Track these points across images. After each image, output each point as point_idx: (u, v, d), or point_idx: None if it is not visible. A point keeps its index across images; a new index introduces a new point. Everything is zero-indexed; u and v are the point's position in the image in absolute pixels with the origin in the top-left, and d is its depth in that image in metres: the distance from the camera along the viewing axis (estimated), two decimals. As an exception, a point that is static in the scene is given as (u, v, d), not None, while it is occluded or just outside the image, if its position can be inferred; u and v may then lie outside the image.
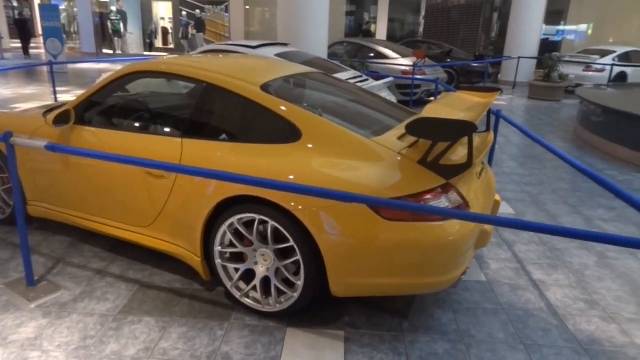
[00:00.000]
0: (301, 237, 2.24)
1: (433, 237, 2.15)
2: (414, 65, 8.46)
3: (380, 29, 20.86)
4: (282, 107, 2.43)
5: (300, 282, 2.31)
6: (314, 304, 2.58)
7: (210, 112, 2.61)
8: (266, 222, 2.33)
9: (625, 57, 11.76)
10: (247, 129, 2.49)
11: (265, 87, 2.54)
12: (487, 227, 2.48)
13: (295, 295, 2.35)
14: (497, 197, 2.93)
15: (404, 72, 8.68)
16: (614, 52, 11.80)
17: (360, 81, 5.36)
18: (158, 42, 21.71)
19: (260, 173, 2.29)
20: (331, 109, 2.68)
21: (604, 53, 11.90)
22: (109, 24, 19.06)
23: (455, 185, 2.30)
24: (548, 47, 15.07)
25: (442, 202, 2.20)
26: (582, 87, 8.27)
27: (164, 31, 21.91)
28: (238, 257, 2.56)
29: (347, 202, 2.12)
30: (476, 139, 2.69)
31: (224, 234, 2.46)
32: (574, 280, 2.98)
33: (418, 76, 8.36)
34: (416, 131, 2.06)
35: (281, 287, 2.40)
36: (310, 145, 2.33)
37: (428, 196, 2.18)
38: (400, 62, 9.09)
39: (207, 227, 2.52)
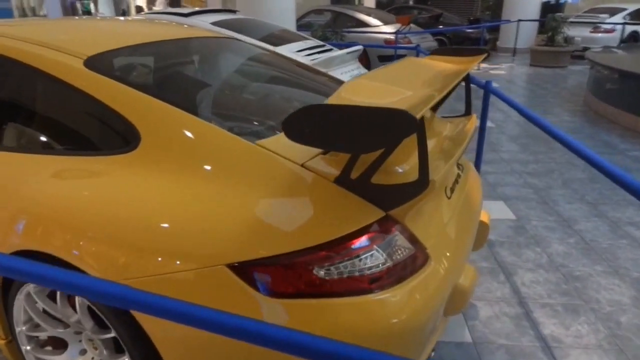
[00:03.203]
0: (127, 325, 1.25)
1: (362, 322, 1.15)
2: (397, 32, 7.32)
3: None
4: (110, 93, 1.40)
5: None
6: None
7: (9, 105, 1.58)
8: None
9: (637, 15, 10.51)
10: (58, 132, 1.47)
11: (93, 62, 1.49)
12: (465, 282, 1.47)
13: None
14: (484, 216, 1.90)
15: (386, 41, 7.54)
16: (625, 9, 10.56)
17: (320, 52, 4.29)
18: (133, 22, 20.47)
19: (57, 211, 1.28)
20: (213, 96, 1.65)
21: (613, 11, 10.66)
22: (78, 5, 17.83)
23: (403, 219, 1.29)
24: (550, 10, 13.76)
25: (376, 255, 1.20)
26: (592, 51, 7.12)
27: (138, 9, 20.61)
28: (61, 343, 1.57)
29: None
30: (441, 134, 1.66)
31: (22, 308, 1.47)
32: (606, 334, 1.98)
33: (402, 45, 7.24)
34: (298, 133, 1.02)
35: None
36: (150, 157, 1.31)
37: (353, 245, 1.18)
38: (383, 30, 7.94)
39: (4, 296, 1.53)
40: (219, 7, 19.28)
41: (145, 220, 1.20)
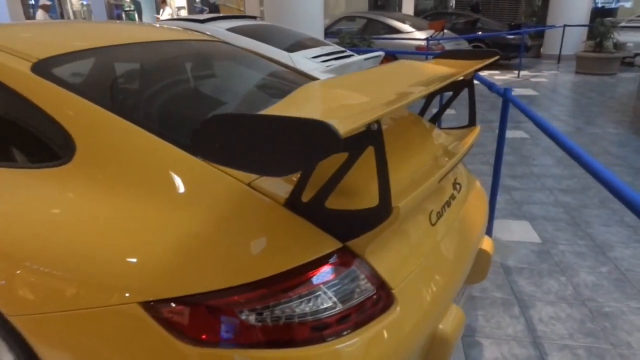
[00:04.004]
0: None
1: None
2: (429, 38, 7.03)
3: (408, 2, 19.09)
4: (51, 99, 1.27)
5: None
6: None
7: None
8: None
9: (699, 19, 9.70)
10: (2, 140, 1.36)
11: (42, 67, 1.37)
12: (447, 327, 1.23)
13: None
14: (486, 244, 1.64)
15: (418, 47, 7.26)
16: (685, 13, 9.75)
17: (337, 58, 4.11)
18: (176, 32, 21.08)
19: None
20: (166, 105, 1.49)
21: (671, 15, 9.88)
22: (123, 15, 18.57)
23: (364, 253, 1.07)
24: (601, 15, 12.98)
25: (323, 297, 0.99)
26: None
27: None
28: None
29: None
30: (432, 147, 1.43)
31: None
32: (635, 389, 1.66)
33: (434, 52, 6.93)
34: (207, 148, 0.82)
35: None
36: (81, 171, 1.17)
37: (293, 285, 0.99)
38: (416, 36, 7.66)
39: None
40: (257, 14, 19.57)
41: (57, 247, 1.05)
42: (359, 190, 1.12)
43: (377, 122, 0.95)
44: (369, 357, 0.98)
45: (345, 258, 1.05)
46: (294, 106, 0.92)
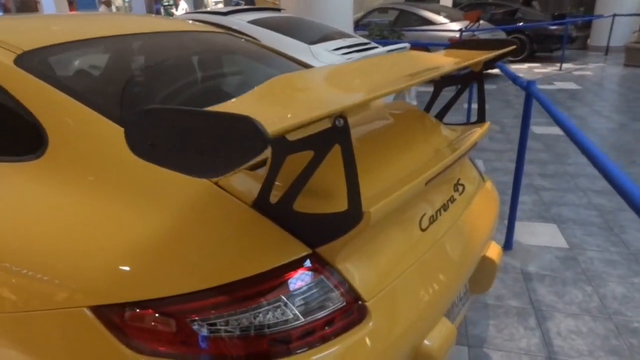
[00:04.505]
0: None
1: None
2: (463, 30, 6.75)
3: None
4: (29, 92, 1.24)
5: None
6: None
7: None
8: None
9: None
10: None
11: (26, 59, 1.34)
12: (434, 342, 1.12)
13: None
14: (492, 251, 1.50)
15: (450, 39, 6.99)
16: None
17: (359, 51, 3.98)
18: (213, 26, 21.40)
19: None
20: (148, 99, 1.44)
21: None
22: (162, 10, 18.98)
23: (334, 261, 0.98)
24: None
25: (283, 309, 0.91)
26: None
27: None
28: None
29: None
30: (429, 145, 1.31)
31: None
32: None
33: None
34: (140, 146, 0.73)
35: None
36: (51, 166, 1.13)
37: (250, 294, 0.92)
38: (450, 27, 7.39)
39: None
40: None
41: (12, 242, 1.01)
42: (334, 193, 1.03)
43: (344, 118, 0.85)
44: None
45: (313, 266, 0.96)
46: (248, 100, 0.84)
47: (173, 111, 0.67)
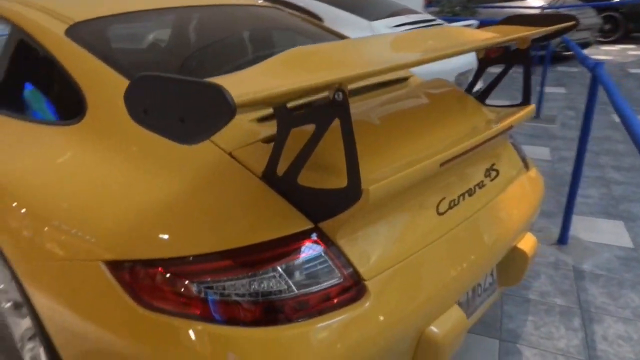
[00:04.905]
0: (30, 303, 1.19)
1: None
2: (545, 7, 6.25)
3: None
4: (74, 61, 1.34)
5: None
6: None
7: (7, 70, 1.64)
8: None
9: None
10: (26, 97, 1.47)
11: (76, 30, 1.45)
12: (440, 329, 1.08)
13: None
14: (525, 242, 1.41)
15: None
16: None
17: (424, 27, 3.82)
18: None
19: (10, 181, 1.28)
20: (188, 71, 1.49)
21: None
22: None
23: (337, 237, 0.98)
24: None
25: (277, 279, 0.93)
26: None
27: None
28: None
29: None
30: (458, 126, 1.24)
31: None
32: None
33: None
34: (136, 111, 0.75)
35: None
36: (89, 131, 1.22)
37: (246, 262, 0.94)
38: (530, 4, 6.86)
39: None
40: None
41: (49, 198, 1.11)
42: (342, 170, 1.02)
43: (343, 92, 0.83)
44: (322, 348, 0.90)
45: (313, 240, 0.96)
46: (252, 71, 0.84)
47: (160, 78, 0.69)
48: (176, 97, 0.66)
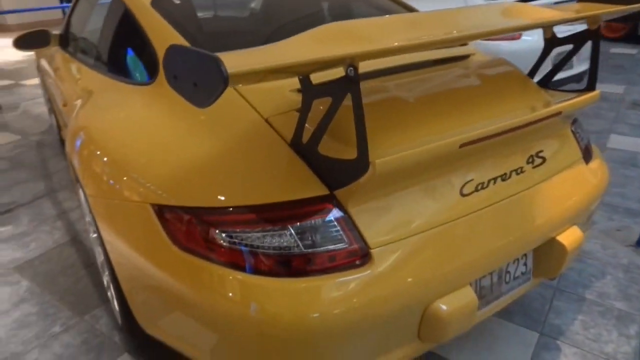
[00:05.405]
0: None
1: (238, 306, 1.01)
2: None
3: None
4: (155, 29, 1.52)
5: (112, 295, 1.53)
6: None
7: (105, 33, 1.88)
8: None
9: None
10: (117, 57, 1.70)
11: (160, 1, 1.63)
12: (448, 306, 1.10)
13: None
14: (568, 235, 1.33)
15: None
16: None
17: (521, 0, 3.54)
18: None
19: (81, 122, 1.53)
20: (253, 43, 1.59)
21: None
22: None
23: (349, 206, 1.05)
24: None
25: (286, 236, 1.03)
26: None
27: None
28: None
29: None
30: (511, 110, 1.21)
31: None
32: None
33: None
34: (171, 78, 0.86)
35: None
36: (158, 92, 1.40)
37: (261, 218, 1.05)
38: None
39: None
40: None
41: (120, 147, 1.31)
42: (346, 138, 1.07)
43: (354, 67, 0.88)
44: (324, 305, 0.98)
45: (326, 205, 1.04)
46: (275, 45, 0.91)
47: (183, 49, 0.80)
48: (191, 65, 0.77)
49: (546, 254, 1.34)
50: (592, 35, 1.31)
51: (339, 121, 1.08)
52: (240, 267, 1.03)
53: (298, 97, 1.23)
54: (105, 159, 1.33)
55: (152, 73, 1.46)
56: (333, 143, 1.09)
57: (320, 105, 1.12)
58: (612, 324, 1.72)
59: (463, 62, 1.56)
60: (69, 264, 2.13)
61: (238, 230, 1.03)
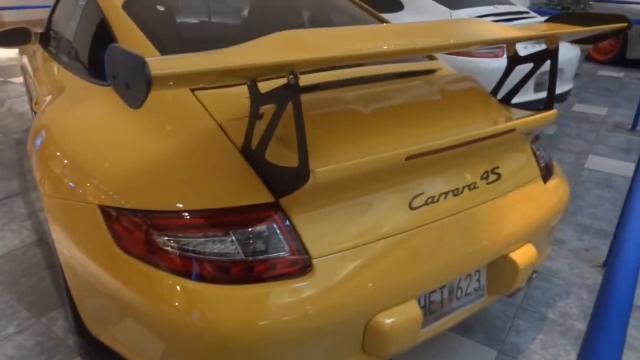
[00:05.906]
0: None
1: (180, 314, 1.00)
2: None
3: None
4: (122, 30, 1.52)
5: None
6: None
7: (78, 32, 1.88)
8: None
9: None
10: (86, 57, 1.70)
11: (130, 3, 1.63)
12: (389, 319, 1.09)
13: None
14: (521, 253, 1.33)
15: None
16: None
17: (509, 20, 3.59)
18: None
19: (45, 121, 1.52)
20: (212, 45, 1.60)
21: None
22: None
23: (293, 215, 1.04)
24: None
25: (227, 243, 1.02)
26: None
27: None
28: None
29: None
30: (469, 125, 1.21)
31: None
32: None
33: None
34: (111, 79, 0.87)
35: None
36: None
37: (202, 224, 1.04)
38: (659, 1, 6.04)
39: None
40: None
41: (75, 149, 1.30)
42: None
43: (295, 76, 0.88)
44: (262, 313, 0.97)
45: (269, 213, 1.03)
46: (237, 50, 0.90)
47: (119, 50, 0.79)
48: (123, 66, 0.76)
49: (499, 271, 1.33)
50: (551, 54, 1.32)
51: (289, 129, 1.08)
52: (182, 273, 1.02)
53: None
54: (58, 157, 1.32)
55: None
56: (284, 151, 1.09)
57: (271, 113, 1.12)
58: (571, 344, 1.72)
59: (427, 76, 1.57)
60: (33, 264, 2.10)
61: (180, 235, 1.03)
